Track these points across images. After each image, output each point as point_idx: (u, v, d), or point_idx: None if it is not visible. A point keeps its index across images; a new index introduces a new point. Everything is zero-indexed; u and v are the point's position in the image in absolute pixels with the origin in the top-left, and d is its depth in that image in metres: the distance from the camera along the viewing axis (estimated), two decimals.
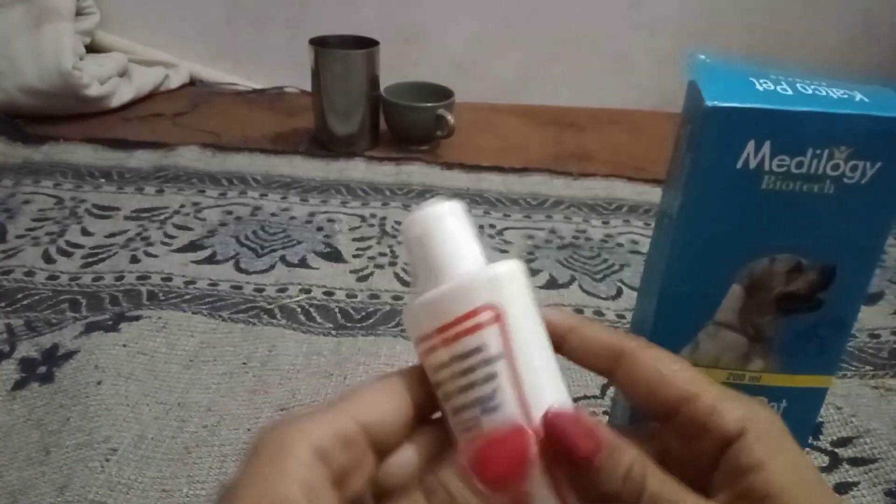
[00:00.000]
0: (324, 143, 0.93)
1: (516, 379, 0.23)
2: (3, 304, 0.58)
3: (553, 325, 0.25)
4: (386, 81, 0.93)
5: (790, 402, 0.31)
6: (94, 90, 0.95)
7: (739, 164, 0.26)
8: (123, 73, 1.04)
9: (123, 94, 1.02)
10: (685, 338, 0.30)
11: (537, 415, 0.22)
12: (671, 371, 0.24)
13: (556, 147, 1.00)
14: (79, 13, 1.00)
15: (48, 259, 0.64)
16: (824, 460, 0.46)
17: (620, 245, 0.73)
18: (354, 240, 0.71)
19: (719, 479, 0.22)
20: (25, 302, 0.58)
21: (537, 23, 1.13)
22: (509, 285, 0.24)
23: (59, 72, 0.91)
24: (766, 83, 0.28)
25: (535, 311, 0.24)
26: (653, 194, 0.84)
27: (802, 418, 0.31)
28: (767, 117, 0.26)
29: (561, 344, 0.25)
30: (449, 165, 0.89)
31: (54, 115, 0.96)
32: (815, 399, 0.32)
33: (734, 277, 0.29)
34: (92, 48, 1.05)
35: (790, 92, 0.27)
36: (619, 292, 0.65)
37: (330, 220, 0.74)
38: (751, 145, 0.26)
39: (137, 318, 0.55)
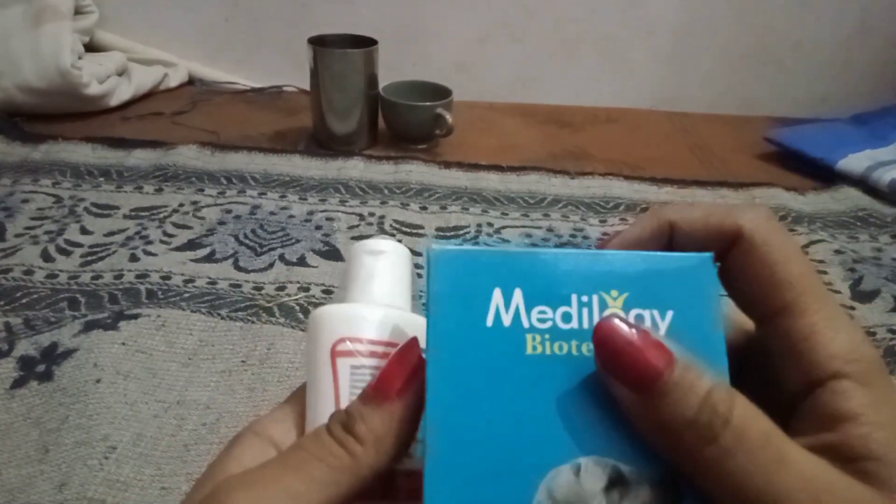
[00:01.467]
0: (322, 142, 0.93)
1: None
2: (1, 303, 0.58)
3: (654, 223, 0.22)
4: (384, 80, 0.93)
5: None
6: (93, 89, 0.95)
7: (490, 321, 0.20)
8: (122, 72, 1.04)
9: (122, 92, 1.02)
10: None
11: None
12: (786, 270, 0.19)
13: (553, 146, 1.00)
14: (78, 12, 1.00)
15: (47, 258, 0.64)
16: None
17: None
18: (353, 238, 0.71)
19: (803, 422, 0.19)
20: (24, 300, 0.58)
21: (535, 22, 1.13)
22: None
23: (58, 70, 0.91)
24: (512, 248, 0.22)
25: None
26: (650, 193, 0.85)
27: None
28: (510, 260, 0.21)
29: (670, 238, 0.22)
30: (447, 164, 0.89)
31: (53, 113, 0.96)
32: None
33: (529, 501, 0.19)
34: (91, 47, 1.05)
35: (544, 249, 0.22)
36: None
37: (328, 219, 0.75)
38: (497, 295, 0.20)
39: (136, 317, 0.55)
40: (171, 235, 0.69)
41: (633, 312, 0.20)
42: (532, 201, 0.82)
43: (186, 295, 0.60)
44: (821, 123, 1.04)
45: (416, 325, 0.25)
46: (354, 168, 0.87)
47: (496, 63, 1.16)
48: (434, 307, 0.20)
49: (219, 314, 0.57)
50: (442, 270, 0.21)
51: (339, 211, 0.77)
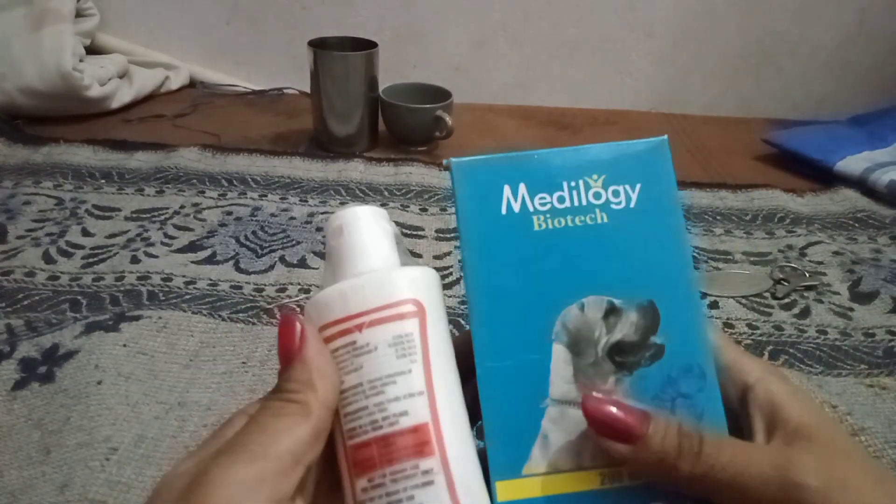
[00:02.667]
0: (323, 144, 0.93)
1: (428, 374, 0.24)
2: (3, 305, 0.58)
3: None
4: (385, 83, 0.93)
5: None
6: (94, 91, 0.95)
7: (504, 210, 0.27)
8: (124, 75, 1.04)
9: (124, 95, 1.02)
10: (528, 430, 0.25)
11: (442, 405, 0.23)
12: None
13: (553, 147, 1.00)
14: (79, 15, 1.00)
15: (49, 259, 0.65)
16: None
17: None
18: None
19: (753, 417, 0.25)
20: (26, 302, 0.59)
21: (535, 25, 1.13)
22: (431, 288, 0.26)
23: (60, 73, 0.91)
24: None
25: (445, 317, 0.26)
26: None
27: None
28: (513, 162, 0.27)
29: None
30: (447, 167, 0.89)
31: (55, 116, 0.96)
32: None
33: (551, 336, 0.26)
34: (92, 50, 1.05)
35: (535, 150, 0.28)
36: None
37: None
38: (507, 190, 0.27)
39: (138, 318, 0.55)
40: (172, 237, 0.70)
41: (611, 188, 0.27)
42: None
43: (187, 296, 0.60)
44: (819, 125, 1.05)
45: (390, 281, 0.25)
46: (355, 170, 0.87)
47: (496, 65, 1.16)
48: (460, 206, 0.27)
49: (220, 316, 0.57)
50: (462, 178, 0.27)
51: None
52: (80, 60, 0.96)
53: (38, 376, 0.49)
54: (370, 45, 0.89)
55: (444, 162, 0.27)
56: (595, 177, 0.27)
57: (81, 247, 0.67)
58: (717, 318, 0.61)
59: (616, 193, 0.27)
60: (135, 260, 0.65)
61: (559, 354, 0.25)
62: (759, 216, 0.81)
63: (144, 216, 0.74)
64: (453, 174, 0.27)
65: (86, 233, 0.70)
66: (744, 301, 0.64)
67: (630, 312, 0.26)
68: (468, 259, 0.26)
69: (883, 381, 0.54)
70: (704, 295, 0.64)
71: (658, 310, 0.26)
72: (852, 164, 0.88)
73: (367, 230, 0.27)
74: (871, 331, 0.61)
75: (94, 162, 0.85)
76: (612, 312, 0.26)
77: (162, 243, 0.68)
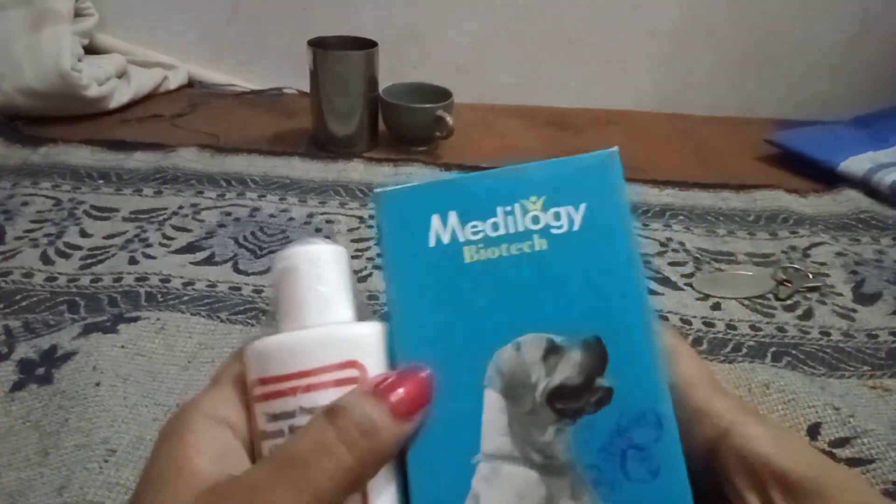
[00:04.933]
0: (322, 145, 0.93)
1: None
2: (1, 306, 0.58)
3: None
4: (385, 82, 0.93)
5: None
6: (92, 91, 0.95)
7: (432, 242, 0.24)
8: (122, 75, 1.04)
9: (122, 95, 1.02)
10: (456, 491, 0.22)
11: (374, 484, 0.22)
12: (674, 359, 0.24)
13: (554, 148, 1.00)
14: (77, 14, 1.00)
15: (46, 260, 0.64)
16: None
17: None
18: (353, 241, 0.71)
19: (733, 473, 0.22)
20: (24, 303, 0.58)
21: (536, 24, 1.13)
22: (377, 347, 0.23)
23: (58, 73, 0.91)
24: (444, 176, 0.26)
25: None
26: (651, 195, 0.84)
27: None
28: (442, 189, 0.24)
29: None
30: (447, 166, 0.89)
31: (53, 116, 0.96)
32: None
33: (483, 382, 0.23)
34: (91, 50, 1.05)
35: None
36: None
37: (328, 222, 0.74)
38: (436, 220, 0.24)
39: (136, 320, 0.55)
40: (170, 238, 0.69)
41: (552, 211, 0.24)
42: None
43: (186, 298, 0.60)
44: (822, 125, 1.04)
45: (353, 338, 0.23)
46: (354, 170, 0.87)
47: (497, 65, 1.16)
48: (385, 240, 0.24)
49: (218, 317, 0.57)
50: (386, 208, 0.24)
51: (339, 213, 0.76)
52: (79, 60, 0.96)
53: (37, 378, 0.49)
54: (370, 44, 0.89)
55: (373, 194, 0.26)
56: (534, 199, 0.24)
57: (79, 248, 0.67)
58: (719, 319, 0.61)
59: (557, 216, 0.24)
60: (133, 261, 0.65)
61: (492, 402, 0.22)
62: (762, 217, 0.80)
63: (143, 217, 0.73)
64: (377, 205, 0.24)
65: (84, 234, 0.69)
66: (746, 302, 0.63)
67: (573, 351, 0.23)
68: (392, 297, 0.24)
69: (886, 383, 0.54)
70: (706, 296, 0.64)
71: (605, 347, 0.23)
72: (855, 164, 0.88)
73: (324, 276, 0.24)
74: (874, 332, 0.60)
75: (92, 162, 0.85)
76: (552, 352, 0.23)
77: (160, 244, 0.68)
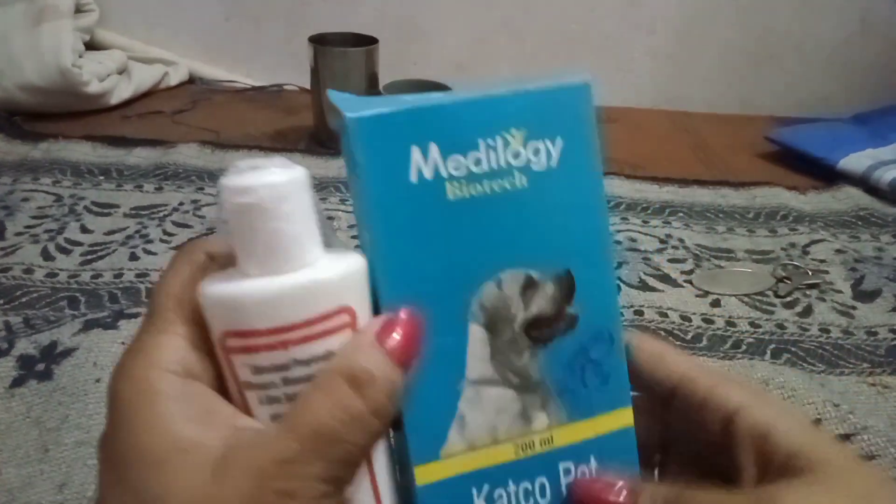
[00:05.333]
0: (323, 141, 0.93)
1: None
2: (1, 302, 0.58)
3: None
4: (385, 79, 0.93)
5: (600, 457, 0.25)
6: (93, 87, 0.95)
7: (413, 178, 0.23)
8: (123, 71, 1.04)
9: (123, 91, 1.01)
10: (444, 413, 0.24)
11: None
12: (671, 357, 0.26)
13: None
14: (78, 10, 1.00)
15: (47, 256, 0.64)
16: None
17: (618, 242, 0.73)
18: (353, 237, 0.71)
19: (739, 453, 0.23)
20: (24, 299, 0.58)
21: (536, 21, 1.13)
22: (361, 283, 0.22)
23: (59, 69, 0.91)
24: (412, 99, 0.24)
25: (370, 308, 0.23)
26: (651, 192, 0.84)
27: (621, 469, 0.25)
28: (421, 116, 0.23)
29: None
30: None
31: (53, 112, 0.95)
32: (624, 444, 0.26)
33: (467, 317, 0.24)
34: (91, 46, 1.05)
35: (442, 96, 0.24)
36: (618, 290, 0.65)
37: (329, 218, 0.74)
38: (416, 153, 0.23)
39: (136, 316, 0.55)
40: (171, 234, 0.69)
41: (531, 146, 0.24)
42: None
43: None
44: (822, 123, 1.04)
45: (340, 281, 0.22)
46: None
47: (497, 62, 1.16)
48: (362, 174, 0.23)
49: None
50: (363, 137, 0.23)
51: (339, 210, 0.76)
52: (80, 56, 0.95)
53: (37, 374, 0.49)
54: (371, 41, 0.89)
55: (342, 115, 0.22)
56: (514, 132, 0.24)
57: (80, 244, 0.67)
58: (719, 316, 0.61)
59: (536, 152, 0.24)
60: (133, 257, 0.65)
61: (476, 335, 0.24)
62: (762, 214, 0.80)
63: (143, 213, 0.73)
64: (350, 132, 0.22)
65: (84, 229, 0.69)
66: (746, 299, 0.64)
67: (547, 284, 0.24)
68: (375, 237, 0.23)
69: (885, 380, 0.54)
70: (706, 293, 0.64)
71: (574, 279, 0.25)
72: (855, 161, 0.88)
73: (293, 210, 0.21)
74: (873, 329, 0.60)
75: (92, 158, 0.85)
76: (529, 286, 0.24)
77: (161, 240, 0.68)
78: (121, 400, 0.20)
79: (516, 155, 0.24)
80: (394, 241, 0.23)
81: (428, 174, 0.23)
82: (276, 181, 0.21)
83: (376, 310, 0.23)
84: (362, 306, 0.22)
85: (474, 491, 0.24)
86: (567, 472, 0.25)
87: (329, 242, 0.23)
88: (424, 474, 0.24)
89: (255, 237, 0.21)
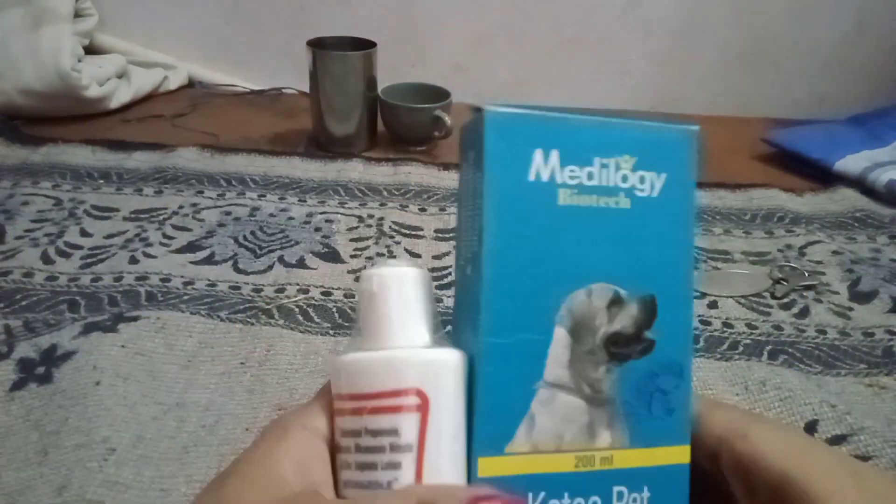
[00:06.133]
0: (322, 144, 0.93)
1: (419, 478, 0.22)
2: (1, 305, 0.58)
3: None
4: (383, 83, 0.93)
5: (654, 490, 0.25)
6: (92, 91, 0.95)
7: (532, 176, 0.25)
8: (122, 75, 1.04)
9: (122, 95, 1.02)
10: (517, 410, 0.25)
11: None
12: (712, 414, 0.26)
13: None
14: (77, 14, 1.00)
15: (47, 260, 0.65)
16: None
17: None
18: (352, 240, 0.71)
19: (730, 476, 0.23)
20: (24, 303, 0.58)
21: (534, 25, 1.13)
22: (444, 375, 0.23)
23: (58, 73, 0.91)
24: (547, 109, 0.26)
25: (462, 411, 0.23)
26: None
27: None
28: (550, 125, 0.25)
29: None
30: (446, 166, 0.90)
31: (53, 116, 0.96)
32: (679, 483, 0.26)
33: (555, 319, 0.25)
34: (91, 50, 1.05)
35: (572, 115, 0.26)
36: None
37: (328, 221, 0.75)
38: (538, 155, 0.25)
39: (136, 319, 0.55)
40: (170, 237, 0.70)
41: (639, 174, 0.26)
42: None
43: (186, 297, 0.60)
44: (818, 124, 1.05)
45: (418, 364, 0.23)
46: (354, 170, 0.87)
47: (494, 65, 1.16)
48: (487, 162, 0.24)
49: (218, 316, 0.57)
50: (495, 132, 0.25)
51: (338, 213, 0.77)
52: (79, 60, 0.96)
53: (37, 377, 0.49)
54: (369, 44, 0.89)
55: (476, 107, 0.25)
56: (627, 158, 0.26)
57: (80, 247, 0.67)
58: (716, 317, 0.61)
59: (642, 180, 0.26)
60: (133, 260, 0.65)
61: (560, 338, 0.25)
62: (759, 216, 0.81)
63: (143, 216, 0.73)
64: (486, 126, 0.25)
65: (84, 233, 0.70)
66: (743, 301, 0.64)
67: (632, 305, 0.26)
68: (489, 225, 0.24)
69: (882, 381, 0.54)
70: (703, 294, 0.64)
71: (657, 305, 0.26)
72: (851, 163, 0.88)
73: (402, 299, 0.25)
74: (870, 330, 0.61)
75: (92, 162, 0.85)
76: (615, 302, 0.26)
77: (160, 244, 0.68)
78: (259, 435, 0.23)
79: (625, 178, 0.26)
80: (503, 228, 0.24)
81: (545, 176, 0.25)
82: (385, 273, 0.24)
83: (470, 408, 0.24)
84: (442, 397, 0.23)
85: (531, 495, 0.24)
86: (620, 496, 0.25)
87: (439, 343, 0.25)
88: (487, 467, 0.24)
89: (364, 317, 0.25)
